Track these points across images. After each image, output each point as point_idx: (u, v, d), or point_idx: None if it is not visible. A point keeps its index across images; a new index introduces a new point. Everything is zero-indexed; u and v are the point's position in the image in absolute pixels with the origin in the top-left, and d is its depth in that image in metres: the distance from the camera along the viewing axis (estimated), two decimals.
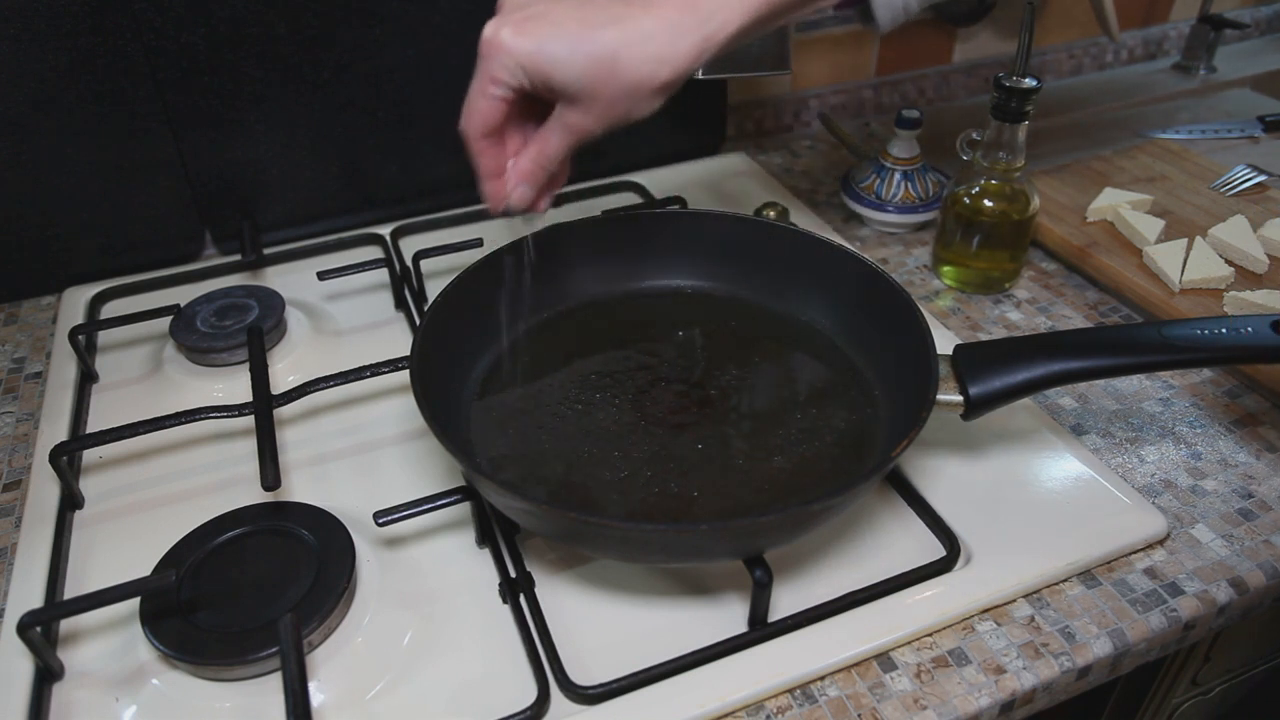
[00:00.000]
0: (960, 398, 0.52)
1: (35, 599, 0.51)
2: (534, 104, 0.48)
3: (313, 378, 0.62)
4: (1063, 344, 0.53)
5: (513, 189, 0.50)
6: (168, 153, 0.75)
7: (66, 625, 0.50)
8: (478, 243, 0.74)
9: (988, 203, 0.71)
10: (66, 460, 0.57)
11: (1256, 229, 0.75)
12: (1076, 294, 0.74)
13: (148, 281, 0.77)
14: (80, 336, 0.67)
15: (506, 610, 0.50)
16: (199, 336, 0.66)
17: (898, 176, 0.80)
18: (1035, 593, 0.51)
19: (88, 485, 0.59)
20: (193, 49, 0.71)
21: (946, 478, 0.57)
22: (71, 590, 0.53)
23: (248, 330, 0.65)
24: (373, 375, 0.61)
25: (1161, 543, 0.54)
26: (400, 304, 0.74)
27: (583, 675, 0.46)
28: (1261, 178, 0.84)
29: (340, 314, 0.74)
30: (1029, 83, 0.66)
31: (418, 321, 0.68)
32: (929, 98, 1.07)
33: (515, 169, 0.49)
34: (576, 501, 0.52)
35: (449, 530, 0.55)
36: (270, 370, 0.64)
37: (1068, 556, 0.52)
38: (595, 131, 0.47)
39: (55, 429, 0.62)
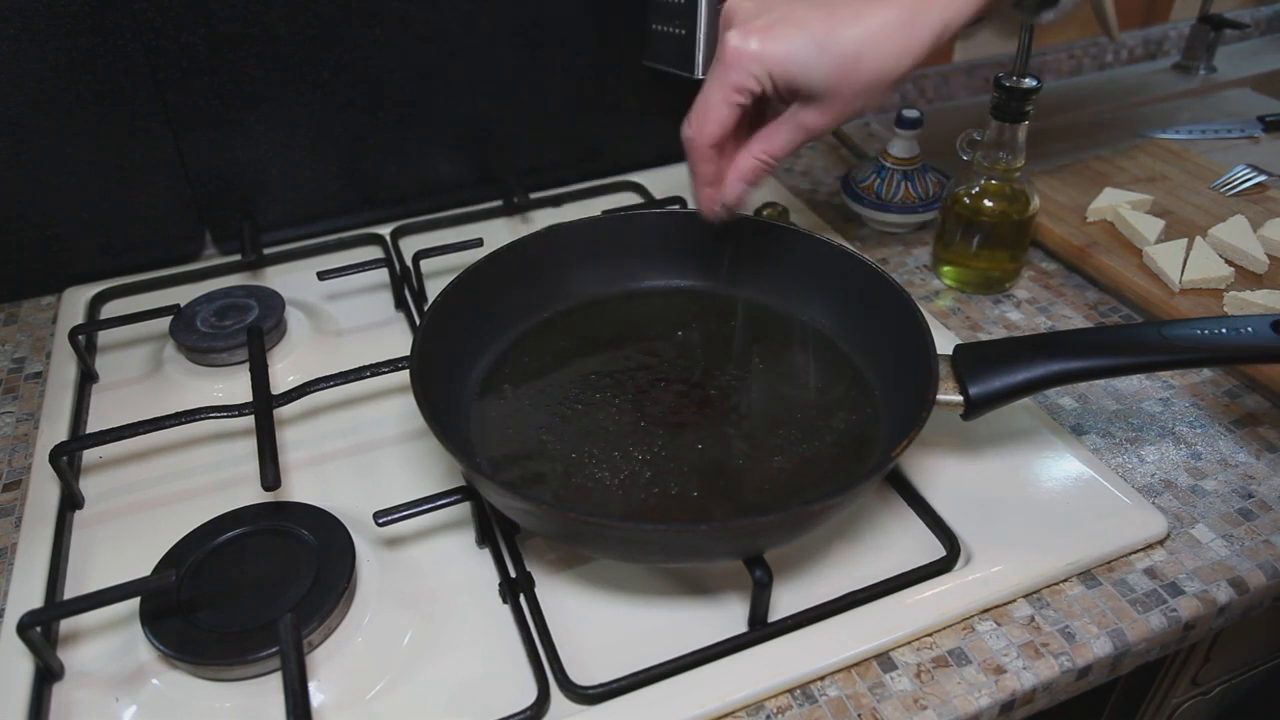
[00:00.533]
0: (960, 398, 0.52)
1: (35, 599, 0.51)
2: (752, 111, 0.49)
3: (313, 378, 0.62)
4: (1063, 344, 0.53)
5: (732, 184, 0.50)
6: (168, 153, 0.75)
7: (66, 625, 0.50)
8: (478, 243, 0.74)
9: (988, 203, 0.71)
10: (66, 460, 0.57)
11: (1256, 229, 0.75)
12: (1076, 294, 0.74)
13: (148, 281, 0.77)
14: (80, 336, 0.67)
15: (506, 610, 0.50)
16: (199, 336, 0.66)
17: (898, 176, 0.80)
18: (1035, 593, 0.51)
19: (88, 485, 0.59)
20: (193, 49, 0.71)
21: (946, 478, 0.57)
22: (71, 590, 0.53)
23: (248, 330, 0.65)
24: (373, 375, 0.61)
25: (1161, 543, 0.54)
26: (400, 304, 0.74)
27: (583, 675, 0.46)
28: (1261, 178, 0.84)
29: (340, 314, 0.74)
30: (1029, 83, 0.66)
31: (418, 321, 0.68)
32: (929, 98, 1.07)
33: (738, 165, 0.50)
34: (576, 501, 0.52)
35: (449, 530, 0.55)
36: (270, 370, 0.64)
37: (1068, 556, 0.52)
38: (828, 129, 0.48)
39: (55, 429, 0.62)
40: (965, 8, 0.46)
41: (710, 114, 0.47)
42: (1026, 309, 0.73)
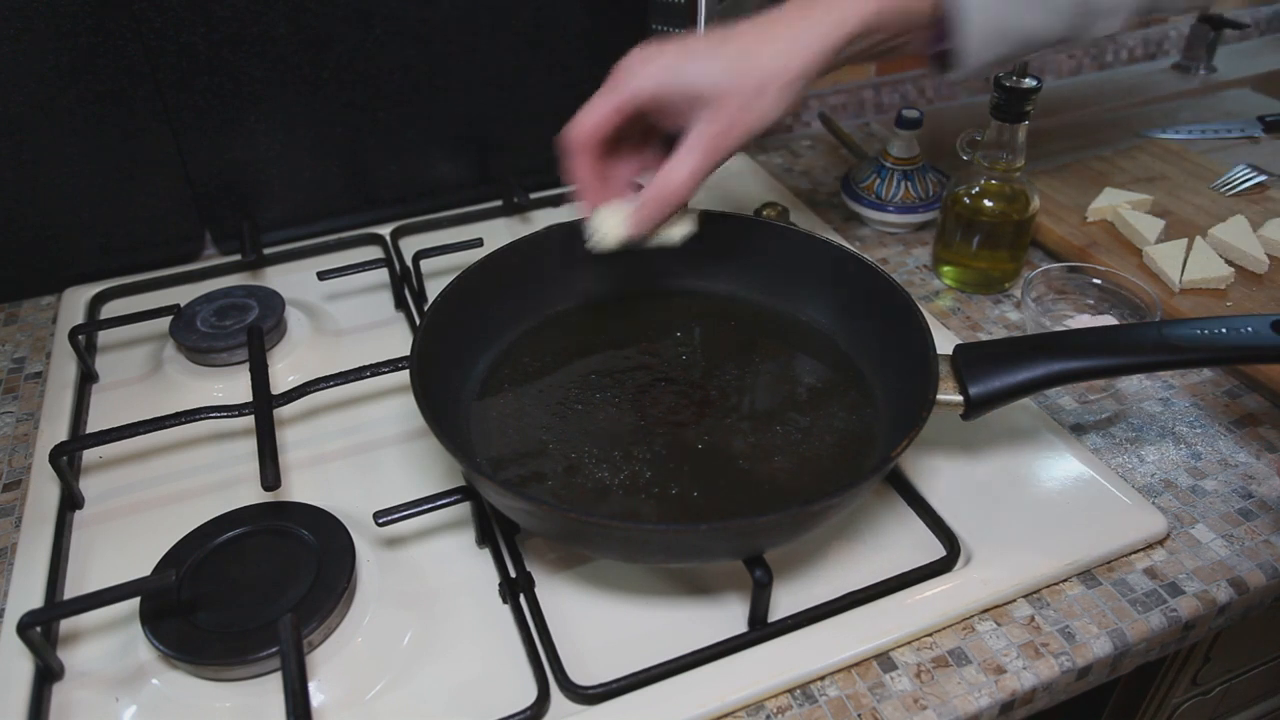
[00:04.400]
0: (960, 398, 0.52)
1: (35, 599, 0.51)
2: (632, 142, 0.51)
3: (313, 378, 0.62)
4: (1063, 344, 0.53)
5: (637, 211, 0.51)
6: (168, 153, 0.75)
7: (66, 625, 0.50)
8: (478, 243, 0.74)
9: (988, 203, 0.71)
10: (66, 460, 0.57)
11: (1256, 229, 0.75)
12: (1077, 294, 0.74)
13: (148, 281, 0.77)
14: (80, 336, 0.67)
15: (506, 610, 0.50)
16: (199, 336, 0.66)
17: (898, 176, 0.80)
18: (1035, 593, 0.51)
19: (88, 485, 0.59)
20: (193, 49, 0.71)
21: (946, 478, 0.57)
22: (71, 590, 0.53)
23: (248, 330, 0.65)
24: (373, 375, 0.61)
25: (1161, 543, 0.54)
26: (400, 304, 0.74)
27: (583, 675, 0.46)
28: (1261, 178, 0.84)
29: (340, 314, 0.74)
30: (1029, 83, 0.66)
31: (418, 321, 0.68)
32: (929, 98, 1.07)
33: (645, 196, 0.51)
34: (576, 501, 0.52)
35: (449, 530, 0.55)
36: (270, 370, 0.64)
37: (1068, 556, 0.52)
38: (730, 146, 0.48)
39: (55, 429, 0.62)
40: (842, 25, 0.48)
41: (589, 113, 0.48)
42: (1026, 309, 0.73)
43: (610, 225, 0.54)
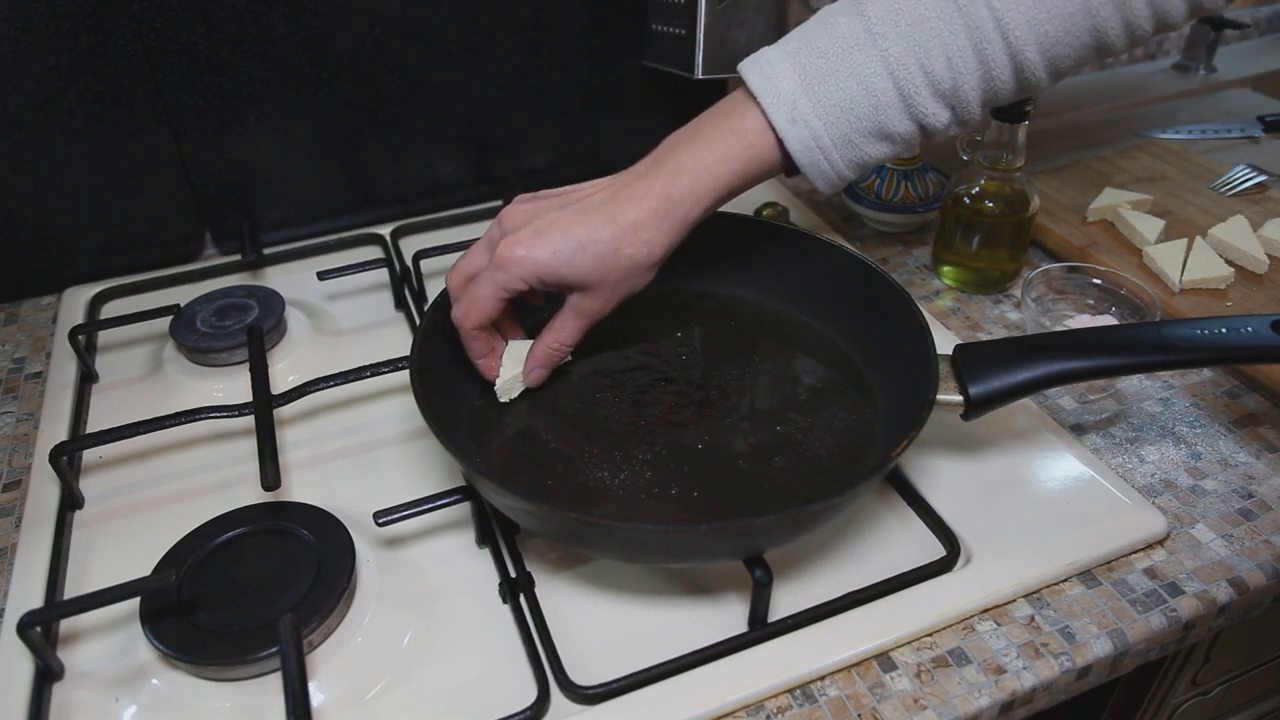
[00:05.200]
0: (960, 398, 0.52)
1: (35, 599, 0.51)
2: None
3: (313, 378, 0.62)
4: (1063, 344, 0.53)
5: (530, 371, 0.57)
6: (168, 153, 0.75)
7: (66, 625, 0.50)
8: None
9: (988, 203, 0.71)
10: (66, 460, 0.57)
11: (1256, 229, 0.75)
12: (1077, 294, 0.74)
13: (148, 281, 0.77)
14: (80, 336, 0.67)
15: (506, 610, 0.50)
16: (199, 336, 0.66)
17: (898, 176, 0.80)
18: (1035, 593, 0.51)
19: (88, 485, 0.59)
20: (193, 49, 0.71)
21: (946, 478, 0.57)
22: (71, 590, 0.53)
23: (248, 330, 0.65)
24: (373, 375, 0.61)
25: (1161, 543, 0.54)
26: (400, 304, 0.74)
27: (583, 675, 0.46)
28: (1261, 178, 0.84)
29: (340, 314, 0.74)
30: None
31: (418, 321, 0.68)
32: None
33: (534, 354, 0.57)
34: (576, 501, 0.52)
35: (449, 530, 0.55)
36: (270, 370, 0.64)
37: (1068, 556, 0.52)
38: (605, 312, 0.55)
39: (55, 429, 0.62)
40: (695, 207, 0.53)
41: (478, 305, 0.53)
42: (1026, 309, 0.73)
43: (512, 382, 0.58)
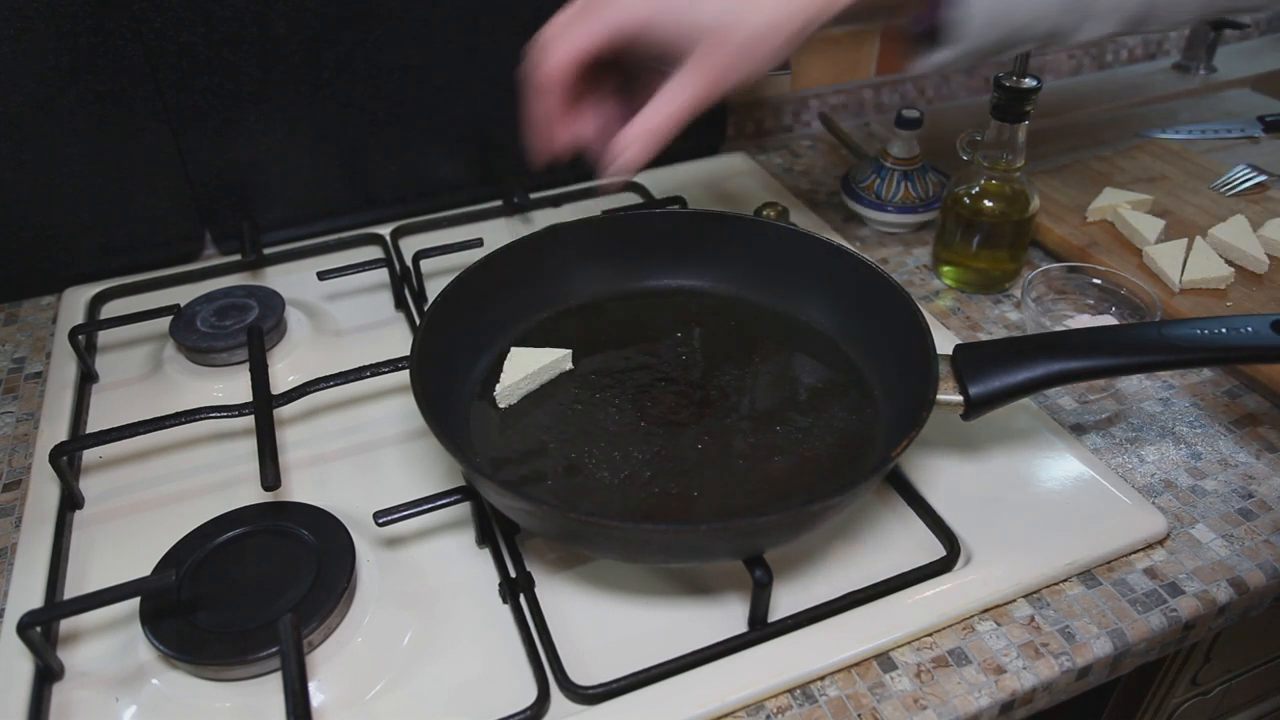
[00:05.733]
0: (960, 398, 0.52)
1: (35, 599, 0.51)
2: (600, 90, 0.46)
3: (313, 378, 0.62)
4: (1063, 344, 0.53)
5: (627, 147, 0.46)
6: (168, 153, 0.75)
7: (66, 625, 0.50)
8: (478, 243, 0.74)
9: (988, 203, 0.71)
10: (66, 460, 0.57)
11: (1256, 229, 0.75)
12: (1077, 294, 0.74)
13: (148, 281, 0.77)
14: (80, 336, 0.67)
15: (506, 610, 0.50)
16: (199, 336, 0.66)
17: (898, 176, 0.80)
18: (1035, 593, 0.51)
19: (88, 485, 0.59)
20: (193, 49, 0.71)
21: (946, 478, 0.57)
22: (71, 590, 0.53)
23: (248, 330, 0.65)
24: (373, 375, 0.61)
25: (1161, 543, 0.54)
26: (400, 304, 0.74)
27: (583, 675, 0.46)
28: (1261, 178, 0.84)
29: (340, 314, 0.74)
30: (1029, 83, 0.66)
31: (418, 321, 0.68)
32: (929, 98, 1.07)
33: (638, 125, 0.46)
34: (576, 501, 0.52)
35: (449, 530, 0.55)
36: (270, 370, 0.64)
37: (1068, 556, 0.52)
38: (729, 84, 0.44)
39: (55, 429, 0.62)
40: None
41: (569, 42, 0.42)
42: (1026, 309, 0.73)
43: (512, 388, 0.57)
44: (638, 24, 0.42)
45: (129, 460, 0.61)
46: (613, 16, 0.42)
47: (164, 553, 0.51)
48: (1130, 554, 0.53)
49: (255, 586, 0.49)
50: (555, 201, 0.86)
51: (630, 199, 0.85)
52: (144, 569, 0.50)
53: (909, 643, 0.49)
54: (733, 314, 0.66)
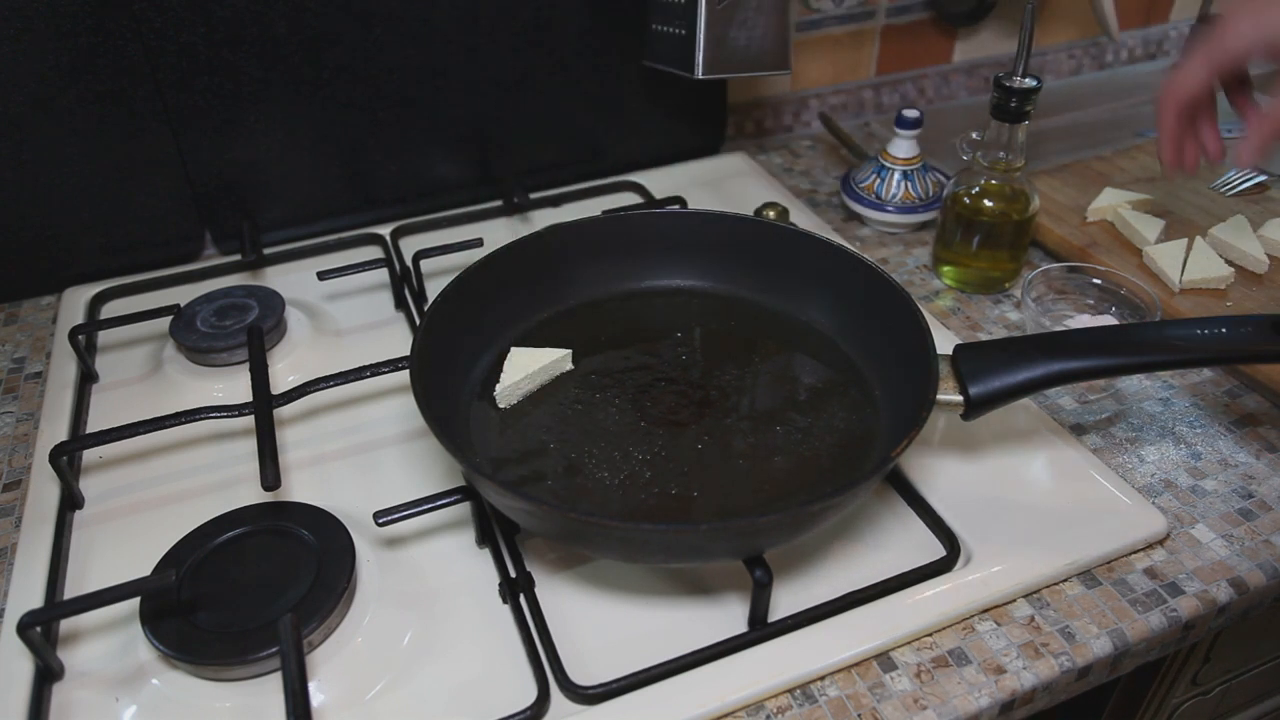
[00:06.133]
0: (960, 398, 0.52)
1: (35, 599, 0.51)
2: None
3: (313, 378, 0.62)
4: (1063, 344, 0.53)
5: (1250, 145, 0.53)
6: (168, 153, 0.75)
7: (66, 625, 0.50)
8: (478, 243, 0.74)
9: (988, 203, 0.71)
10: (66, 460, 0.57)
11: (1256, 229, 0.75)
12: (1077, 294, 0.74)
13: (148, 281, 0.77)
14: (80, 336, 0.67)
15: (506, 610, 0.50)
16: (199, 336, 0.66)
17: (898, 176, 0.80)
18: (1035, 593, 0.51)
19: (88, 485, 0.59)
20: (193, 49, 0.71)
21: (946, 478, 0.57)
22: (71, 590, 0.53)
23: (248, 330, 0.65)
24: (373, 375, 0.61)
25: (1161, 543, 0.54)
26: (400, 304, 0.74)
27: (583, 675, 0.46)
28: (1261, 178, 0.84)
29: (340, 314, 0.74)
30: (1029, 83, 0.66)
31: (418, 321, 0.68)
32: (929, 98, 1.07)
33: (1259, 130, 0.53)
34: (576, 501, 0.52)
35: (449, 530, 0.55)
36: (270, 370, 0.64)
37: (1068, 556, 0.52)
38: None
39: (55, 429, 0.62)
40: None
41: (1190, 73, 0.52)
42: (1026, 309, 0.73)
43: (512, 389, 0.58)
44: (1243, 51, 0.51)
45: (129, 460, 0.61)
46: (1225, 48, 0.51)
47: (164, 553, 0.51)
48: (1130, 554, 0.53)
49: (255, 586, 0.49)
50: (555, 201, 0.86)
51: (630, 199, 0.85)
52: (144, 569, 0.50)
53: (909, 643, 0.49)
54: (733, 314, 0.66)
